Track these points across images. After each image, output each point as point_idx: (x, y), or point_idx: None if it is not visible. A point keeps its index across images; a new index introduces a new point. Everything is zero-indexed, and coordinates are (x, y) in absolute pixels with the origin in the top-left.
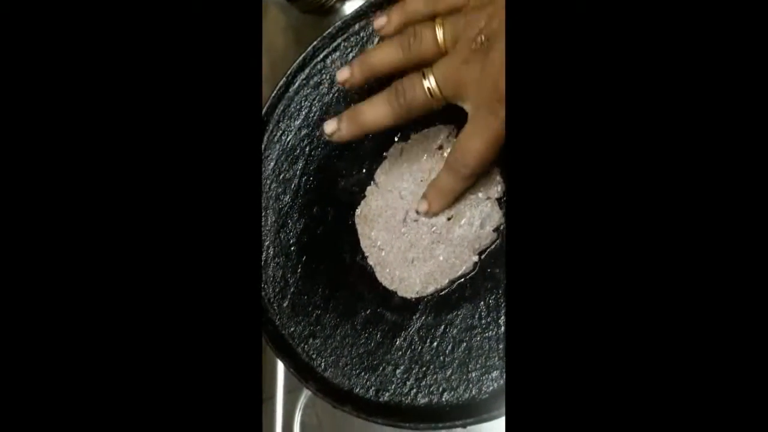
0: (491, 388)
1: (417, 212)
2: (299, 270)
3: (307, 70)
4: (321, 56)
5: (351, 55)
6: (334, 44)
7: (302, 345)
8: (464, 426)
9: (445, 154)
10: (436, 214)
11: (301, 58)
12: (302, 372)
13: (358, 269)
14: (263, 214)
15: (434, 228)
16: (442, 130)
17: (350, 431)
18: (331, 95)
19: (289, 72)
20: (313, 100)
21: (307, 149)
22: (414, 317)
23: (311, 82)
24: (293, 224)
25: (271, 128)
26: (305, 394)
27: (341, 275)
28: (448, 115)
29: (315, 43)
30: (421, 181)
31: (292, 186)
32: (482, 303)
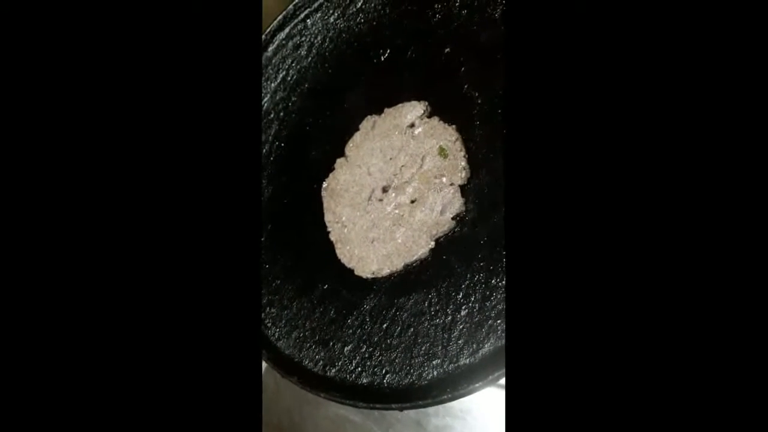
0: (431, 375)
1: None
2: (264, 239)
3: (287, 30)
4: (302, 16)
5: (333, 16)
6: (317, 4)
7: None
8: (400, 410)
9: (416, 133)
10: None
11: (281, 16)
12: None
13: (319, 243)
14: None
15: (397, 210)
16: (415, 106)
17: (305, 396)
18: (309, 59)
19: (268, 31)
20: (291, 63)
21: (282, 114)
22: (368, 297)
23: (290, 44)
24: (262, 191)
25: None
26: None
27: (303, 248)
28: (423, 90)
29: (296, 0)
30: (390, 159)
31: (264, 151)
32: (434, 290)
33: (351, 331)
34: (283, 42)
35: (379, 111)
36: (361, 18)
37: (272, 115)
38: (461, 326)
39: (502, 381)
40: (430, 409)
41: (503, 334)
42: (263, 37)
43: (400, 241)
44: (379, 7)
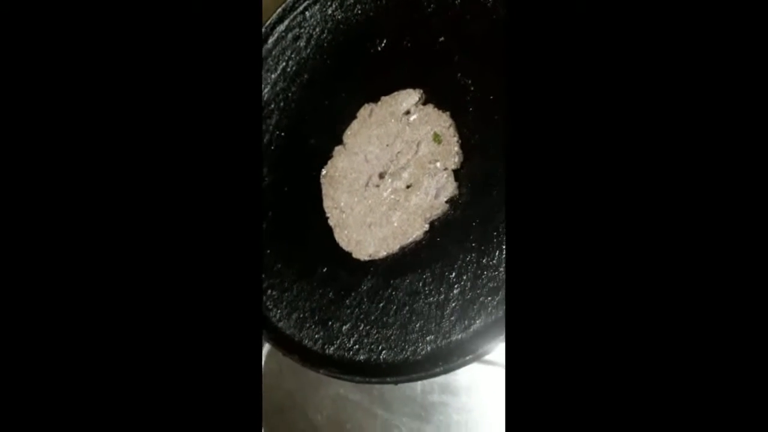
0: (425, 351)
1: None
2: (265, 225)
3: (286, 22)
4: (300, 8)
5: (331, 8)
6: None
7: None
8: (395, 383)
9: (412, 120)
10: None
11: (280, 9)
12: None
13: (319, 229)
14: None
15: (393, 195)
16: (411, 94)
17: (306, 378)
18: (308, 50)
19: (267, 24)
20: (291, 54)
21: (282, 104)
22: (365, 279)
23: (289, 36)
24: (263, 179)
25: None
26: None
27: (303, 233)
28: (419, 78)
29: None
30: (387, 145)
31: (265, 140)
32: (428, 270)
33: (349, 311)
34: (283, 34)
35: (375, 99)
36: (358, 9)
37: (273, 106)
38: (454, 304)
39: (492, 356)
40: (427, 386)
41: (493, 311)
42: (263, 29)
43: (396, 224)
44: None
